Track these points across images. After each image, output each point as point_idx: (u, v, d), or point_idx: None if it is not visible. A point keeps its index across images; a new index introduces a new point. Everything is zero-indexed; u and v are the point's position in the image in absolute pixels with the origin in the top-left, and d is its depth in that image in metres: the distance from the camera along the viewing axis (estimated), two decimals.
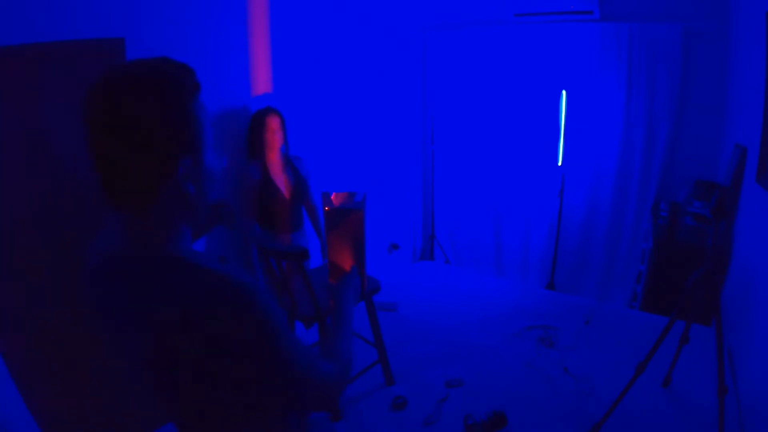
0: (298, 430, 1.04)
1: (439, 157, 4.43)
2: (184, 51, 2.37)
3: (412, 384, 2.74)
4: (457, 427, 2.41)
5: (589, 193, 3.87)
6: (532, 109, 3.92)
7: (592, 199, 3.88)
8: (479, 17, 4.08)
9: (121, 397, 2.28)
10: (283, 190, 2.70)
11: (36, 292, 1.98)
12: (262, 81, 2.84)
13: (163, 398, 0.89)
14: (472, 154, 4.30)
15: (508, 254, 4.36)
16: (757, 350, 2.19)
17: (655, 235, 3.39)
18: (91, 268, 0.85)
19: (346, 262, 2.11)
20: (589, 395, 2.58)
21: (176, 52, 2.64)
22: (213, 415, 0.89)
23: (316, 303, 2.24)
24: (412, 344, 3.13)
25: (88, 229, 1.99)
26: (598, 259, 3.95)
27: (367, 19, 3.62)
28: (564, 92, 3.63)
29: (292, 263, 2.20)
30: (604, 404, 2.36)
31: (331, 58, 3.34)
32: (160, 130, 0.72)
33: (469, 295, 3.85)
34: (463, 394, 2.64)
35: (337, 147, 3.53)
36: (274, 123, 2.61)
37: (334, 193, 2.17)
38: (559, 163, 3.74)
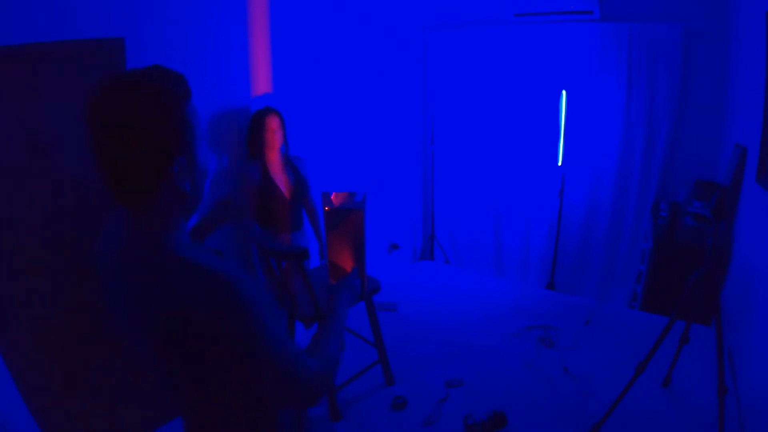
0: (294, 429, 1.05)
1: (439, 157, 4.44)
2: (184, 51, 2.38)
3: (412, 384, 2.74)
4: (457, 427, 2.41)
5: (589, 193, 3.87)
6: (532, 109, 3.92)
7: (592, 199, 3.88)
8: (479, 17, 4.08)
9: (121, 397, 2.28)
10: (283, 189, 2.70)
11: (36, 292, 1.98)
12: (262, 81, 2.84)
13: (168, 392, 0.94)
14: (472, 154, 4.30)
15: (508, 254, 4.36)
16: (757, 350, 2.18)
17: (655, 235, 3.39)
18: (99, 266, 0.91)
19: (346, 262, 2.11)
20: (589, 395, 2.58)
21: (176, 52, 2.65)
22: (208, 410, 0.95)
23: (316, 303, 2.24)
24: (412, 344, 3.13)
25: (88, 229, 2.00)
26: (598, 259, 3.95)
27: (367, 19, 3.62)
28: (564, 92, 3.63)
29: (292, 263, 2.20)
30: (604, 404, 2.36)
31: (331, 58, 3.34)
32: (157, 130, 0.79)
33: (469, 295, 3.85)
34: (463, 394, 2.64)
35: (337, 147, 3.53)
36: (273, 123, 2.61)
37: (334, 193, 2.17)
38: (559, 163, 3.74)
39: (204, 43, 2.48)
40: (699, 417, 2.35)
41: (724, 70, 3.28)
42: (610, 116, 3.66)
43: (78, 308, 2.09)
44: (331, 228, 2.05)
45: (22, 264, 1.93)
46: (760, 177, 2.29)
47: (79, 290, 2.06)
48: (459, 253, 4.63)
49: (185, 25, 2.36)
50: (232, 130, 2.71)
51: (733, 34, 3.12)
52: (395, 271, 4.24)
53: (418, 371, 2.85)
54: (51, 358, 2.04)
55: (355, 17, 3.50)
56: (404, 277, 4.21)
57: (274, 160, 2.70)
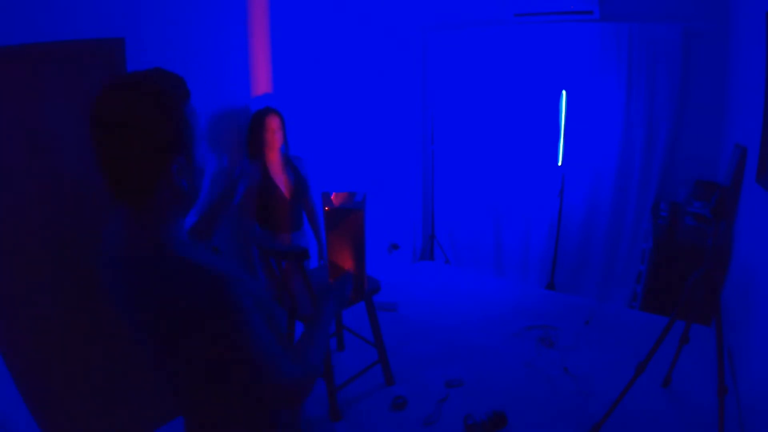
0: (291, 429, 1.06)
1: (439, 157, 4.44)
2: (184, 51, 2.38)
3: (412, 384, 2.74)
4: (457, 427, 2.41)
5: (589, 193, 3.87)
6: (532, 109, 3.92)
7: (592, 199, 3.88)
8: (479, 17, 4.08)
9: (121, 397, 2.28)
10: (283, 189, 2.70)
11: (36, 292, 1.98)
12: (262, 81, 2.84)
13: (168, 392, 0.95)
14: (472, 154, 4.30)
15: (508, 254, 4.36)
16: (757, 350, 2.18)
17: (655, 235, 3.39)
18: (101, 266, 0.92)
19: (346, 262, 2.11)
20: (589, 395, 2.58)
21: (176, 52, 2.65)
22: (208, 410, 0.96)
23: (315, 303, 2.24)
24: (412, 344, 3.13)
25: (88, 228, 2.00)
26: (598, 259, 3.95)
27: (367, 19, 3.62)
28: (564, 92, 3.63)
29: (292, 263, 2.20)
30: (604, 404, 2.37)
31: (331, 58, 3.34)
32: (157, 131, 0.81)
33: (469, 295, 3.85)
34: (463, 394, 2.64)
35: (337, 147, 3.53)
36: (273, 123, 2.61)
37: (334, 193, 2.17)
38: (559, 163, 3.74)
39: (204, 43, 2.48)
40: (699, 417, 2.35)
41: (724, 70, 3.28)
42: (610, 116, 3.66)
43: (78, 308, 2.09)
44: (331, 228, 2.05)
45: (22, 264, 1.93)
46: (760, 177, 2.29)
47: (79, 290, 2.06)
48: (459, 253, 4.63)
49: (185, 25, 2.36)
50: (232, 130, 2.71)
51: (733, 34, 3.12)
52: (395, 271, 4.25)
53: (418, 371, 2.85)
54: (51, 358, 2.04)
55: (355, 17, 3.50)
56: (404, 277, 4.21)
57: (274, 160, 2.70)
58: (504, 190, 4.22)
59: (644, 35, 3.40)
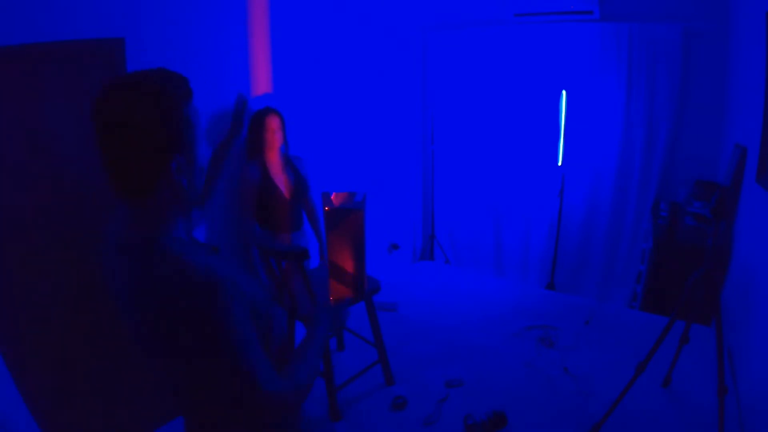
0: (291, 429, 1.06)
1: (439, 157, 4.43)
2: (184, 51, 2.38)
3: (412, 384, 2.74)
4: (457, 427, 2.41)
5: (589, 193, 3.87)
6: (532, 109, 3.92)
7: (592, 199, 3.88)
8: (479, 17, 4.08)
9: (121, 397, 2.28)
10: (283, 189, 2.70)
11: (36, 292, 1.98)
12: (262, 81, 2.84)
13: (168, 392, 0.96)
14: (472, 154, 4.30)
15: (508, 254, 4.36)
16: (757, 350, 2.19)
17: (655, 235, 3.39)
18: (102, 266, 0.93)
19: (346, 262, 2.11)
20: (589, 395, 2.58)
21: (176, 52, 2.66)
22: (208, 410, 0.96)
23: (315, 303, 2.24)
24: (412, 344, 3.13)
25: (88, 228, 2.00)
26: (598, 259, 3.95)
27: (367, 19, 3.62)
28: (564, 92, 3.63)
29: (292, 263, 2.20)
30: (604, 404, 2.36)
31: (331, 58, 3.34)
32: (158, 130, 0.82)
33: (469, 295, 3.85)
34: (463, 394, 2.64)
35: (337, 147, 3.53)
36: (273, 123, 2.61)
37: (334, 193, 2.18)
38: (559, 163, 3.74)
39: (204, 43, 2.48)
40: (699, 417, 2.35)
41: (724, 70, 3.28)
42: (610, 116, 3.66)
43: (78, 308, 2.09)
44: (331, 228, 2.06)
45: (22, 263, 1.93)
46: (760, 177, 2.29)
47: (79, 290, 2.06)
48: (459, 253, 4.63)
49: (185, 25, 2.36)
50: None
51: (733, 34, 3.12)
52: (395, 271, 4.24)
53: (418, 371, 2.85)
54: (51, 358, 2.04)
55: (355, 17, 3.50)
56: (404, 277, 4.21)
57: (274, 160, 2.70)
58: (504, 190, 4.22)
59: (644, 35, 3.40)
